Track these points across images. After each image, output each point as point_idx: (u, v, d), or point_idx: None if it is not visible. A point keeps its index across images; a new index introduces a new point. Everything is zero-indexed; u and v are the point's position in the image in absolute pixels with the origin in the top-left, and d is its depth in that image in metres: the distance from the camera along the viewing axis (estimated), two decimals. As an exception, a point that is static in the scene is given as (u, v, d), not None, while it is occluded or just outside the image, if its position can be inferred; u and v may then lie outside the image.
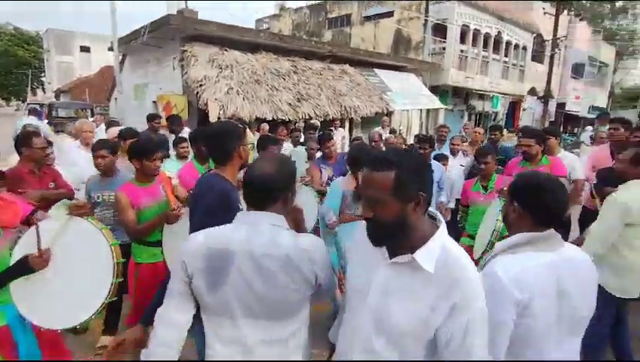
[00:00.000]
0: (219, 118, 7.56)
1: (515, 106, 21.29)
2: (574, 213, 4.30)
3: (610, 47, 30.33)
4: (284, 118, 8.20)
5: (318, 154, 4.48)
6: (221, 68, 8.26)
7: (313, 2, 20.28)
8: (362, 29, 17.66)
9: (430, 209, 1.19)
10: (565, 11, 23.40)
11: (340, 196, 3.04)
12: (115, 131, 4.13)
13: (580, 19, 25.48)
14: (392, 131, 8.15)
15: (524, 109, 21.84)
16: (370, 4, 17.02)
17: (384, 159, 1.10)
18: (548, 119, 19.51)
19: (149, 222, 2.45)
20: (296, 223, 1.67)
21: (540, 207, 1.37)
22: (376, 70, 12.52)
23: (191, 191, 2.31)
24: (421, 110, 14.64)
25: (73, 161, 3.87)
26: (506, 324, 1.26)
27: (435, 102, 13.61)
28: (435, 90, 15.36)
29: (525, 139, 3.51)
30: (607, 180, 3.96)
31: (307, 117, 8.68)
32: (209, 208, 1.73)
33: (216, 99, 7.58)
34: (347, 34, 18.32)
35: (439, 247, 1.12)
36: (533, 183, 1.41)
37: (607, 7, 35.71)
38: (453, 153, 5.11)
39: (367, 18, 17.20)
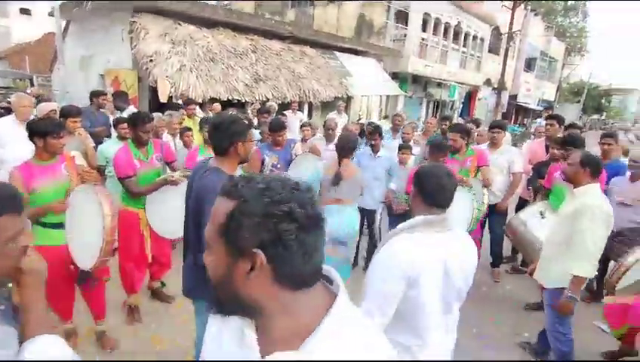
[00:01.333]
0: (170, 97, 7.22)
1: (471, 96, 22.03)
2: (512, 203, 4.58)
3: (560, 43, 31.95)
4: (239, 98, 7.97)
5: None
6: (174, 43, 7.84)
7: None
8: (325, 10, 17.35)
9: (325, 267, 0.76)
10: (522, 5, 24.29)
11: (318, 179, 3.42)
12: (45, 108, 3.79)
13: (535, 15, 26.53)
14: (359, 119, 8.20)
15: (479, 99, 22.66)
16: (335, -15, 16.72)
17: (232, 185, 0.71)
18: (501, 110, 20.35)
19: (44, 205, 2.42)
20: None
21: (428, 192, 1.58)
22: (338, 53, 12.42)
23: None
24: (381, 96, 14.78)
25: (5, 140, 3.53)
26: (394, 295, 1.48)
27: (394, 88, 13.77)
28: (395, 76, 15.53)
29: (452, 133, 3.92)
30: (540, 173, 4.24)
31: (264, 98, 8.49)
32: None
33: (167, 77, 7.21)
34: (310, 15, 17.94)
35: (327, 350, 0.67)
36: (424, 171, 1.65)
37: (561, 5, 37.34)
38: (405, 142, 5.21)
39: (331, 0, 16.92)
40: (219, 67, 8.12)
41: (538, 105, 27.70)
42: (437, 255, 1.50)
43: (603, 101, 45.35)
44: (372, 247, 4.39)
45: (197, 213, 1.91)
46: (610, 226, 2.49)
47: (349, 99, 11.84)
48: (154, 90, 7.49)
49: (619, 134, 5.26)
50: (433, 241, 1.51)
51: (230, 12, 9.40)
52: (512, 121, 23.84)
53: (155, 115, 4.27)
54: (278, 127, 3.91)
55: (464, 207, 3.34)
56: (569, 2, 37.52)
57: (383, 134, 4.85)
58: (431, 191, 1.57)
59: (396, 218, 4.05)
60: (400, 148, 4.43)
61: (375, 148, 4.26)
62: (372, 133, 4.35)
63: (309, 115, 11.36)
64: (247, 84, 8.36)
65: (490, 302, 4.04)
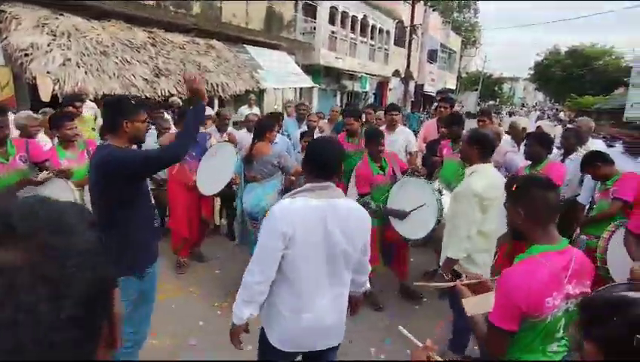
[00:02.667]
0: (54, 95, 6.44)
1: (382, 86, 23.16)
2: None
3: (457, 36, 34.97)
4: (138, 94, 7.40)
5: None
6: (55, 35, 6.99)
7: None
8: (234, 3, 16.87)
9: None
10: (422, 2, 26.09)
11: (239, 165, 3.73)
12: None
13: (433, 10, 28.69)
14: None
15: (390, 89, 23.92)
16: (240, -24, 16.30)
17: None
18: (409, 99, 21.70)
19: None
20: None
21: (312, 162, 1.74)
22: (247, 47, 12.17)
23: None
24: (295, 89, 14.83)
25: None
26: (273, 250, 1.60)
27: (306, 81, 13.90)
28: (308, 69, 15.68)
29: (347, 118, 4.16)
30: (432, 150, 4.59)
31: (167, 94, 8.00)
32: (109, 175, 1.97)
33: (48, 72, 6.42)
34: (218, 7, 17.29)
35: None
36: (310, 144, 1.86)
37: (455, 3, 40.81)
38: (310, 129, 5.27)
39: (238, -8, 16.48)
40: (112, 61, 7.44)
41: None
42: (315, 215, 1.61)
43: (496, 89, 50.83)
44: None
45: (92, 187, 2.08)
46: (490, 209, 2.49)
47: (261, 93, 11.69)
48: (35, 89, 6.62)
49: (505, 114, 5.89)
50: (314, 204, 1.63)
51: (124, 3, 8.65)
52: (421, 108, 25.63)
53: (24, 113, 3.77)
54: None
55: (423, 197, 3.35)
56: (462, 1, 41.24)
57: (287, 123, 4.90)
58: (314, 162, 1.72)
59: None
60: (302, 135, 4.46)
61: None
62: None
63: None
64: (146, 79, 7.79)
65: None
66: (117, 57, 7.58)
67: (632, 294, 0.95)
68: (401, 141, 4.56)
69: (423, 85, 26.65)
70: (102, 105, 3.82)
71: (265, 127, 3.57)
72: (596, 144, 4.34)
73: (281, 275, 1.65)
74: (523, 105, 52.69)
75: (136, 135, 2.12)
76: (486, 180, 2.49)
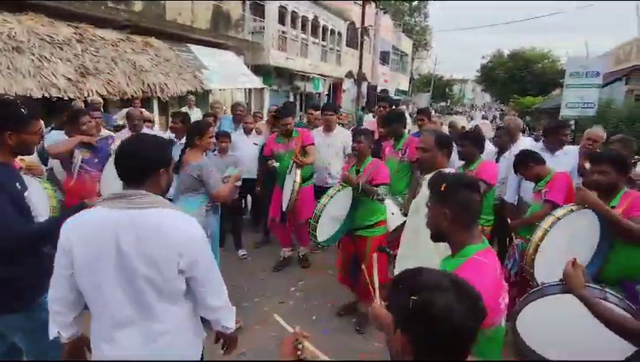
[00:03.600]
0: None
1: (336, 88, 23.17)
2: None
3: (408, 39, 35.89)
4: (60, 95, 6.70)
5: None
6: (-44, 28, 6.17)
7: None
8: (179, 2, 16.13)
9: None
10: (373, 4, 26.45)
11: None
12: None
13: (385, 13, 29.20)
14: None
15: (344, 91, 24.00)
16: (184, -27, 15.61)
17: None
18: (362, 99, 21.86)
19: None
20: None
21: (115, 165, 1.44)
22: (190, 46, 11.60)
23: None
24: (245, 90, 14.38)
25: None
26: (59, 267, 1.39)
27: (256, 82, 13.51)
28: (258, 69, 15.28)
29: (283, 118, 4.00)
30: (375, 154, 4.42)
31: (96, 94, 7.34)
32: None
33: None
34: (162, 5, 16.46)
35: None
36: (119, 145, 1.53)
37: (407, 6, 41.93)
38: (247, 132, 4.95)
39: (183, -12, 15.76)
40: (27, 59, 6.69)
41: (395, 94, 30.66)
42: (103, 231, 1.32)
43: (447, 90, 52.84)
44: None
45: None
46: None
47: (205, 94, 11.16)
48: None
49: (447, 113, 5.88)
50: (103, 217, 1.33)
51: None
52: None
53: None
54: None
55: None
56: (413, 3, 42.45)
57: (223, 124, 4.59)
58: (115, 165, 1.42)
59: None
60: (217, 136, 4.14)
61: (179, 138, 3.94)
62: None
63: (164, 112, 10.39)
64: (69, 79, 7.08)
65: (330, 286, 4.02)
66: (33, 54, 6.82)
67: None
68: (339, 143, 4.36)
69: (376, 86, 27.03)
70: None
71: (193, 131, 3.10)
72: (525, 142, 4.38)
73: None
74: (472, 106, 55.16)
75: (24, 149, 1.79)
76: None
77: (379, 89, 27.52)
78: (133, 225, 1.31)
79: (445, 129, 5.77)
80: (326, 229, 3.26)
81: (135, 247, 1.30)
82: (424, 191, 2.18)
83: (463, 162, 3.43)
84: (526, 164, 3.08)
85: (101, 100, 6.07)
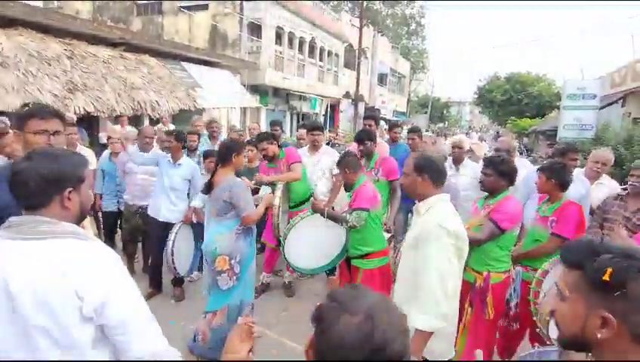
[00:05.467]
0: None
1: (333, 108, 23.21)
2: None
3: (406, 61, 36.34)
4: (44, 111, 6.52)
5: None
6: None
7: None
8: (176, 20, 16.28)
9: None
10: (371, 26, 26.85)
11: None
12: None
13: (382, 35, 29.61)
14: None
15: (341, 111, 24.03)
16: (183, -7, 15.82)
17: None
18: (358, 120, 21.84)
19: None
20: None
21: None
22: (185, 64, 11.54)
23: None
24: (242, 109, 14.30)
25: None
26: None
27: (250, 100, 13.44)
28: (255, 89, 15.26)
29: (260, 143, 3.87)
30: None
31: (83, 111, 7.18)
32: None
33: None
34: (159, 24, 16.64)
35: None
36: None
37: (405, 29, 42.68)
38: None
39: (181, 9, 15.93)
40: (12, 74, 6.54)
41: (393, 115, 30.77)
42: None
43: (444, 112, 53.18)
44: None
45: None
46: (465, 253, 1.90)
47: (199, 112, 11.02)
48: None
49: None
50: None
51: (33, 10, 7.79)
52: (372, 130, 25.94)
53: None
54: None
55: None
56: (411, 28, 43.21)
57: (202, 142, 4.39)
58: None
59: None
60: (205, 155, 3.95)
61: (174, 156, 3.70)
62: (178, 138, 3.81)
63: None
64: (56, 95, 6.93)
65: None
66: (18, 70, 6.68)
67: None
68: (325, 162, 4.14)
69: (373, 107, 27.11)
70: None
71: (230, 148, 2.85)
72: (523, 162, 4.16)
73: None
74: (470, 128, 55.47)
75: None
76: (454, 216, 1.90)
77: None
78: (25, 260, 1.04)
79: (441, 148, 5.58)
80: (304, 255, 3.04)
81: (25, 289, 1.03)
82: (418, 222, 1.98)
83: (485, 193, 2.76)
84: (551, 175, 2.67)
85: (74, 116, 5.91)
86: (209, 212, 2.94)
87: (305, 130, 5.47)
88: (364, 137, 3.83)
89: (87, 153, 4.40)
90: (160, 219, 3.75)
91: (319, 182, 4.15)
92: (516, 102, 30.60)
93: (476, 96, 38.08)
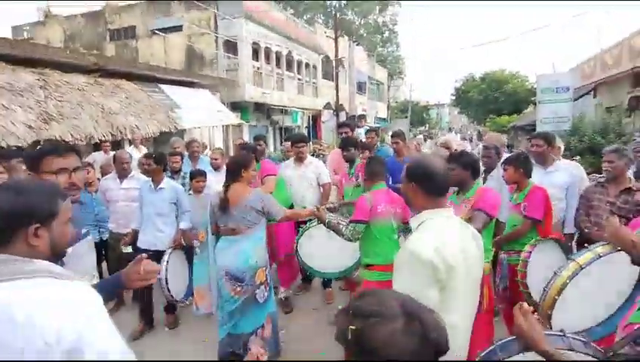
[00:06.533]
0: None
1: (315, 119, 23.28)
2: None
3: (382, 68, 36.88)
4: (19, 144, 6.33)
5: None
6: None
7: (86, 7, 17.58)
8: (150, 42, 16.21)
9: None
10: (346, 37, 27.21)
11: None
12: None
13: (357, 45, 30.04)
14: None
15: (323, 122, 24.12)
16: (156, 15, 15.77)
17: None
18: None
19: None
20: None
21: None
22: (163, 86, 11.43)
23: None
24: (223, 127, 14.22)
25: None
26: None
27: (231, 118, 13.38)
28: (236, 106, 15.22)
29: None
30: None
31: (60, 140, 6.99)
32: None
33: None
34: (134, 48, 16.52)
35: None
36: None
37: (379, 38, 43.44)
38: (216, 168, 4.66)
39: (155, 32, 15.88)
40: (-18, 108, 6.36)
41: (375, 122, 31.06)
42: None
43: (425, 115, 54.00)
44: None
45: None
46: (451, 286, 1.48)
47: (180, 133, 10.90)
48: None
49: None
50: None
51: (3, 42, 7.63)
52: (355, 138, 26.10)
53: None
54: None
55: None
56: (384, 35, 44.02)
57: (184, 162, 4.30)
58: None
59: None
60: (192, 176, 3.86)
61: (155, 180, 3.59)
62: (158, 161, 3.69)
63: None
64: (30, 126, 6.74)
65: (318, 334, 3.57)
66: (-11, 103, 6.50)
67: None
68: (311, 173, 4.10)
69: (354, 116, 27.33)
70: None
71: (240, 164, 2.92)
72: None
73: None
74: (450, 129, 56.38)
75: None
76: (440, 237, 1.49)
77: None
78: None
79: (426, 150, 5.60)
80: (318, 256, 3.18)
81: None
82: (407, 243, 1.62)
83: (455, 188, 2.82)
84: (518, 165, 2.97)
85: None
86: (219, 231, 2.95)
87: (289, 143, 5.47)
88: (347, 144, 3.82)
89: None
90: (152, 250, 3.48)
91: (307, 192, 4.10)
92: (493, 100, 31.26)
93: (454, 97, 38.84)
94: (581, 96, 14.91)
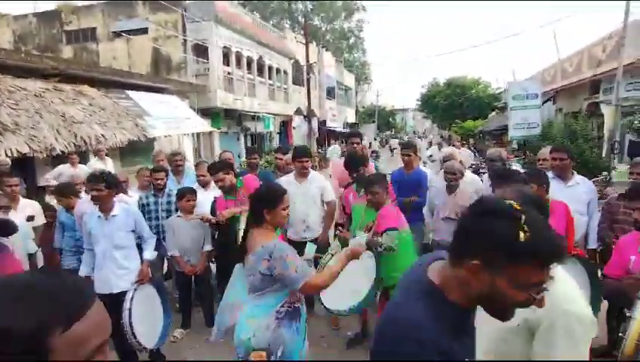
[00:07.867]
0: None
1: (286, 125, 22.93)
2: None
3: (350, 74, 37.14)
4: (-32, 159, 5.58)
5: None
6: None
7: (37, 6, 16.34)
8: (113, 45, 15.25)
9: None
10: (314, 42, 27.10)
11: None
12: None
13: (326, 50, 30.04)
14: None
15: (294, 128, 23.80)
16: (118, 16, 14.88)
17: None
18: (313, 135, 21.74)
19: None
20: None
21: None
22: (129, 92, 10.70)
23: None
24: (193, 135, 13.57)
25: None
26: None
27: (202, 125, 12.79)
28: (206, 112, 14.59)
29: (216, 175, 3.56)
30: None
31: (17, 153, 6.27)
32: None
33: None
34: (94, 51, 15.50)
35: None
36: None
37: (345, 43, 43.73)
38: (204, 186, 4.25)
39: (117, 34, 14.96)
40: None
41: (344, 127, 31.12)
42: None
43: (390, 120, 54.98)
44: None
45: None
46: None
47: (150, 142, 10.24)
48: None
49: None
50: None
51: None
52: (326, 143, 26.01)
53: None
54: None
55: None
56: (350, 41, 44.39)
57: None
58: None
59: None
60: (181, 195, 3.48)
61: (104, 209, 3.02)
62: (96, 182, 2.97)
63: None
64: (-19, 138, 5.99)
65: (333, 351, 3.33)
66: None
67: None
68: (315, 189, 3.79)
69: (325, 121, 27.24)
70: None
71: (260, 200, 2.10)
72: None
73: None
74: (414, 132, 57.72)
75: None
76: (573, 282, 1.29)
77: (328, 123, 27.77)
78: None
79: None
80: (333, 294, 2.69)
81: None
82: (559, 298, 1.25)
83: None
84: (542, 182, 2.64)
85: (8, 161, 5.14)
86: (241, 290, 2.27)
87: (281, 154, 5.13)
88: (356, 163, 3.54)
89: (33, 206, 3.71)
90: (114, 292, 2.92)
91: (310, 211, 3.80)
92: (458, 105, 32.23)
93: (419, 102, 39.74)
94: (544, 103, 15.57)
